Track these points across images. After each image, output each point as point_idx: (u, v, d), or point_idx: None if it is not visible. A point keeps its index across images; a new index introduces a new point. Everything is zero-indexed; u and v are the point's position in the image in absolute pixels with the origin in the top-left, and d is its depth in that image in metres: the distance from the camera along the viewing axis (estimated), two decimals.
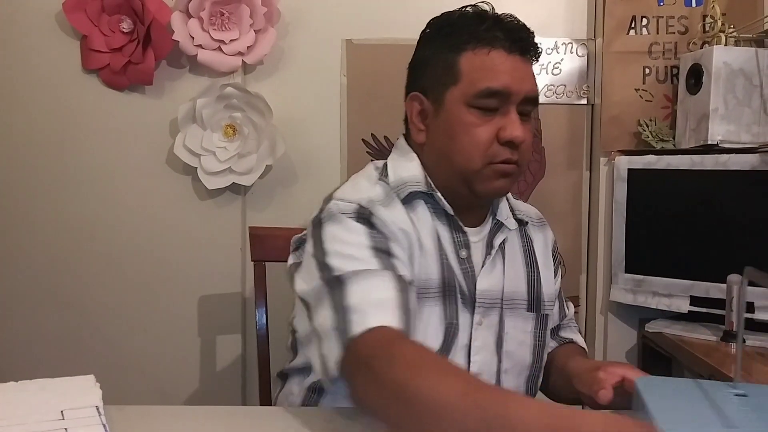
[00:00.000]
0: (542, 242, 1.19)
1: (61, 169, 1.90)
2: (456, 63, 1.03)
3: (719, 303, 1.66)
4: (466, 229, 1.08)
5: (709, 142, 1.71)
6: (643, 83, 1.91)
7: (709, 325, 1.73)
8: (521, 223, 1.17)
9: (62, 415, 0.82)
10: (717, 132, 1.70)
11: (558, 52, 1.96)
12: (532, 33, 1.06)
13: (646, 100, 1.90)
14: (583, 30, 1.96)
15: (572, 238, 2.03)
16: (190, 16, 1.80)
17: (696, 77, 1.76)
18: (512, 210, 1.15)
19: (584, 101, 1.98)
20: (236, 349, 1.93)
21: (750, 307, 1.62)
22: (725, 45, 1.73)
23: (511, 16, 1.06)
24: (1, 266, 1.91)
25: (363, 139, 1.93)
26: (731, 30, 1.75)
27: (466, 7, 1.08)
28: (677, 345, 1.67)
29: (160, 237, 1.92)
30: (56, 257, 1.91)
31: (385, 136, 1.91)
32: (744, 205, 1.68)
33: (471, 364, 1.05)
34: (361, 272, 0.90)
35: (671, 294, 1.80)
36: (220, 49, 1.82)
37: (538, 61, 1.08)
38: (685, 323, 1.79)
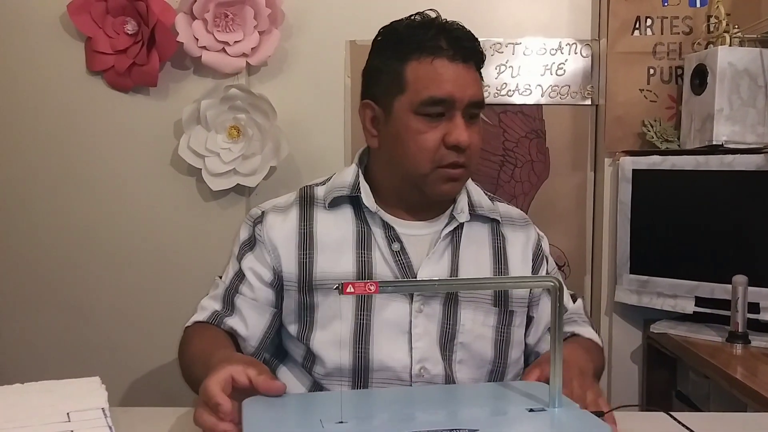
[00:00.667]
0: (521, 241, 1.21)
1: (65, 171, 1.90)
2: (402, 72, 1.08)
3: (724, 304, 1.66)
4: (408, 222, 1.15)
5: (714, 143, 1.70)
6: (648, 84, 1.90)
7: (714, 326, 1.73)
8: (492, 221, 1.19)
9: (68, 417, 0.83)
10: (722, 132, 1.70)
11: (562, 53, 1.95)
12: (476, 40, 1.11)
13: (650, 101, 1.90)
14: (587, 30, 1.96)
15: (576, 239, 2.03)
16: (194, 18, 1.80)
17: (701, 78, 1.76)
18: (473, 206, 1.17)
19: (588, 102, 1.98)
20: None
21: (755, 308, 1.61)
22: (730, 45, 1.73)
23: (456, 23, 1.11)
24: (7, 268, 1.92)
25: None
26: (736, 30, 1.75)
27: (415, 15, 1.12)
28: (682, 346, 1.67)
29: (164, 238, 1.92)
30: (61, 259, 1.92)
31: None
32: (749, 206, 1.68)
33: (413, 350, 1.10)
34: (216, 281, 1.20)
35: (676, 295, 1.79)
36: (224, 50, 1.82)
37: (482, 66, 1.13)
38: (690, 324, 1.79)
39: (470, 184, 1.21)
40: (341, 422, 0.77)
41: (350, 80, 1.90)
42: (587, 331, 1.25)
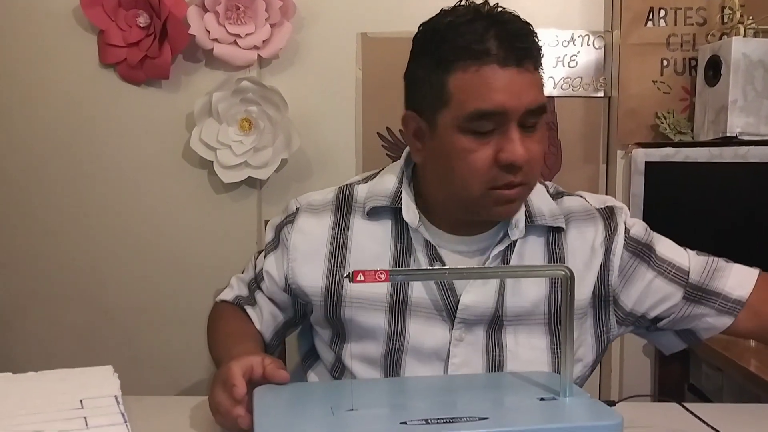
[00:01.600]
0: (584, 242, 1.04)
1: (77, 164, 1.91)
2: (445, 84, 0.93)
3: None
4: (454, 237, 1.03)
5: (728, 135, 1.69)
6: (661, 75, 1.89)
7: None
8: (551, 229, 1.04)
9: (81, 404, 0.83)
10: (736, 124, 1.69)
11: (574, 45, 1.94)
12: (533, 34, 0.95)
13: (663, 93, 1.89)
14: (600, 22, 1.94)
15: None
16: (206, 11, 1.81)
17: (714, 69, 1.74)
18: (531, 216, 1.03)
19: (601, 94, 1.96)
20: None
21: None
22: (744, 36, 1.71)
23: (508, 13, 0.95)
24: (21, 261, 1.93)
25: (378, 133, 1.93)
26: (750, 21, 1.73)
27: (460, 4, 0.97)
28: None
29: (176, 231, 1.93)
30: (74, 252, 1.93)
31: (400, 130, 1.90)
32: (763, 198, 1.67)
33: None
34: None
35: None
36: (235, 43, 1.82)
37: (541, 63, 0.97)
38: None
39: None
40: (352, 410, 0.77)
41: (362, 73, 1.90)
42: (741, 272, 1.07)
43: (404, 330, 1.01)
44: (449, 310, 1.01)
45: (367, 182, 1.09)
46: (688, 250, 1.10)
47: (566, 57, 1.95)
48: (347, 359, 1.04)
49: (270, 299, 1.12)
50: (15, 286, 1.94)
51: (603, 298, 1.04)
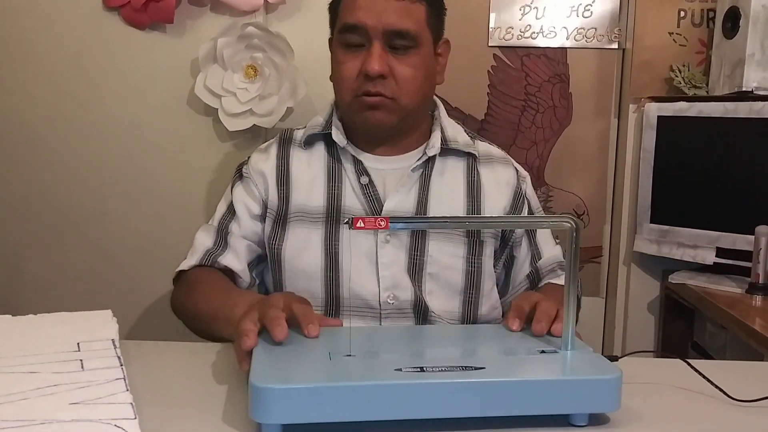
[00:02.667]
0: (498, 179, 1.21)
1: (81, 109, 1.89)
2: (336, 6, 1.15)
3: (746, 255, 1.63)
4: (378, 157, 1.18)
5: (744, 89, 1.65)
6: (678, 27, 1.83)
7: (735, 277, 1.70)
8: (468, 157, 1.20)
9: (78, 347, 0.83)
10: (752, 78, 1.64)
11: None
12: None
13: (680, 45, 1.84)
14: None
15: (597, 187, 1.99)
16: None
17: (733, 21, 1.69)
18: (446, 141, 1.18)
19: (615, 45, 1.91)
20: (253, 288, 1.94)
21: None
22: None
23: None
24: (25, 206, 1.93)
25: None
26: None
27: None
28: (701, 297, 1.65)
29: (180, 179, 1.92)
30: (77, 198, 1.92)
31: None
32: None
33: (381, 279, 1.13)
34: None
35: (697, 245, 1.76)
36: None
37: (430, 2, 1.12)
38: (710, 275, 1.76)
39: (446, 120, 1.22)
40: (349, 355, 0.77)
41: None
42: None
43: (338, 237, 1.14)
44: (374, 215, 1.15)
45: (305, 127, 1.25)
46: (557, 246, 1.27)
47: (580, 6, 1.90)
48: (288, 273, 1.15)
49: (243, 235, 1.19)
50: (19, 230, 1.94)
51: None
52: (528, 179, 1.26)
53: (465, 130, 1.25)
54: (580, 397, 0.72)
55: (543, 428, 0.73)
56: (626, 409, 0.76)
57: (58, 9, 1.85)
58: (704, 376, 0.84)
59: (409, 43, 1.09)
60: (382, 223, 0.76)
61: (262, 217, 1.20)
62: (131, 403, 0.69)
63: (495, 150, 1.26)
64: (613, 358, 0.84)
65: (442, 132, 1.20)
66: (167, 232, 1.94)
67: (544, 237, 1.25)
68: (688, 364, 0.86)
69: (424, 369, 0.73)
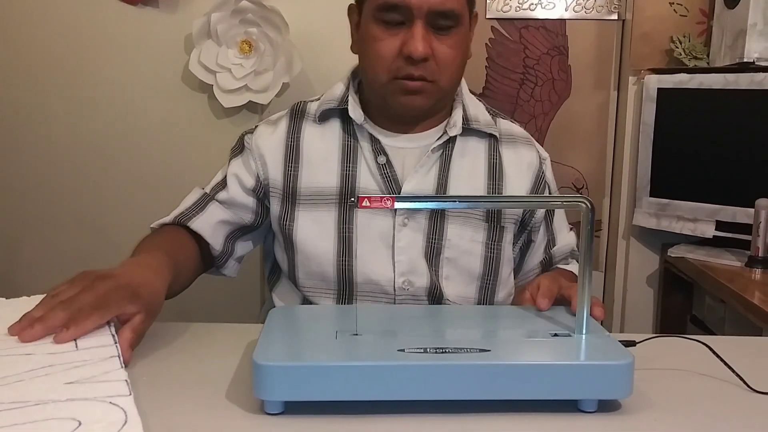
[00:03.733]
0: (521, 160, 1.16)
1: (75, 87, 1.87)
2: None
3: (745, 228, 1.63)
4: (397, 135, 1.11)
5: (745, 60, 1.63)
6: None
7: (734, 251, 1.70)
8: (490, 137, 1.15)
9: None
10: (754, 49, 1.62)
11: None
12: None
13: (680, 15, 1.81)
14: None
15: (597, 161, 1.98)
16: None
17: None
18: (467, 120, 1.12)
19: (615, 16, 1.89)
20: (255, 267, 1.94)
21: None
22: None
23: None
24: (21, 187, 1.92)
25: None
26: None
27: None
28: (700, 270, 1.64)
29: (176, 156, 1.91)
30: (73, 176, 1.91)
31: None
32: None
33: (396, 264, 1.08)
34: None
35: (696, 219, 1.76)
36: None
37: None
38: (709, 248, 1.76)
39: (468, 97, 1.16)
40: (356, 335, 0.77)
41: None
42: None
43: (352, 219, 1.09)
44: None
45: (318, 99, 1.17)
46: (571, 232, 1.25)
47: None
48: (300, 255, 1.11)
49: (228, 204, 1.15)
50: (16, 211, 1.93)
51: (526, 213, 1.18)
52: (548, 161, 1.21)
53: (486, 108, 1.19)
54: (588, 383, 0.70)
55: (550, 413, 0.70)
56: (639, 395, 0.73)
57: None
58: (726, 363, 0.80)
59: (452, 23, 1.03)
60: (389, 202, 0.75)
61: (257, 192, 1.15)
62: (126, 380, 0.69)
63: (517, 129, 1.20)
64: (629, 343, 0.81)
65: (464, 110, 1.13)
66: (163, 209, 1.92)
67: (559, 223, 1.22)
68: (711, 349, 0.82)
69: (427, 350, 0.72)
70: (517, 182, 1.14)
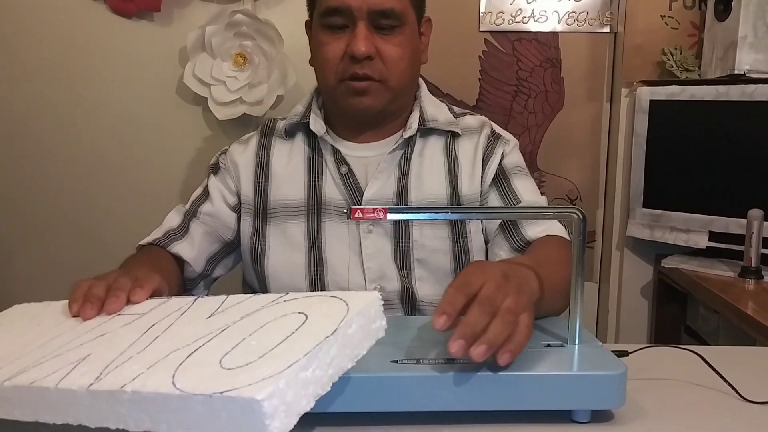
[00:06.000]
0: (476, 148, 1.15)
1: (69, 99, 1.87)
2: None
3: (738, 239, 1.63)
4: (357, 145, 1.14)
5: (736, 72, 1.64)
6: (669, 10, 1.82)
7: (727, 261, 1.70)
8: (448, 134, 1.15)
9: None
10: (744, 61, 1.63)
11: None
12: None
13: (671, 28, 1.83)
14: None
15: (590, 172, 1.99)
16: None
17: (725, 3, 1.68)
18: (424, 121, 1.14)
19: (607, 29, 1.90)
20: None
21: None
22: None
23: None
24: (17, 196, 1.92)
25: None
26: None
27: None
28: (693, 281, 1.65)
29: (171, 168, 1.91)
30: (68, 187, 1.91)
31: None
32: None
33: (366, 270, 1.11)
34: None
35: (690, 229, 1.76)
36: None
37: None
38: (703, 259, 1.76)
39: (427, 98, 1.18)
40: None
41: None
42: (556, 229, 1.10)
43: (320, 229, 1.12)
44: (356, 205, 1.12)
45: (286, 118, 1.20)
46: (543, 196, 1.18)
47: None
48: (270, 272, 1.13)
49: (208, 222, 1.17)
50: (12, 221, 1.93)
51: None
52: (511, 144, 1.17)
53: (449, 108, 1.20)
54: (581, 393, 0.70)
55: (543, 424, 0.70)
56: (632, 405, 0.73)
57: None
58: (719, 373, 0.80)
59: (395, 23, 1.06)
60: (381, 214, 0.75)
61: (236, 209, 1.17)
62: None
63: (473, 120, 1.19)
64: (622, 353, 0.80)
65: (421, 112, 1.15)
66: (158, 221, 1.92)
67: (523, 185, 1.15)
68: (703, 359, 0.82)
69: (420, 361, 0.72)
70: (471, 171, 1.14)
